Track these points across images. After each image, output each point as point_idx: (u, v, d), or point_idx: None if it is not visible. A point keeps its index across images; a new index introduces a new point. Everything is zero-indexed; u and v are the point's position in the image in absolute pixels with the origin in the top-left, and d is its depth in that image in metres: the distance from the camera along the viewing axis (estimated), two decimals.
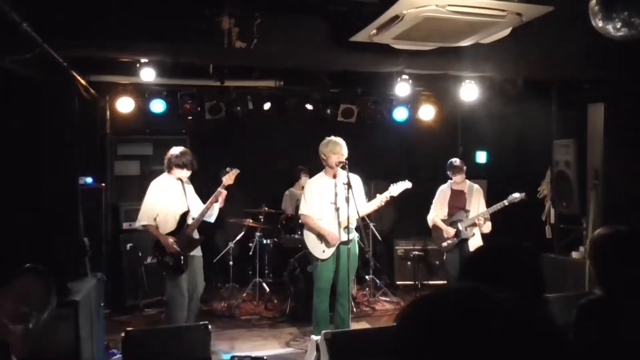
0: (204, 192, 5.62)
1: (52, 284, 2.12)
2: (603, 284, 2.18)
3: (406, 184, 5.42)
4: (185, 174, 5.37)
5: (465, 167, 6.24)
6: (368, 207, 5.42)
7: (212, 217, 5.53)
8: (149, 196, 5.31)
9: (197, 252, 5.44)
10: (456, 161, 6.27)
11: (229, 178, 5.40)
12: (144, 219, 5.27)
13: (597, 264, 2.24)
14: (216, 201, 5.35)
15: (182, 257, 5.24)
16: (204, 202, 5.42)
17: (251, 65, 6.15)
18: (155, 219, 5.26)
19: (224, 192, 5.33)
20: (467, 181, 6.27)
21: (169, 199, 5.31)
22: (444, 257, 6.33)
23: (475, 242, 6.01)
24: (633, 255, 2.11)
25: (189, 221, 5.33)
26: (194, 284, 5.40)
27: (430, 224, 6.33)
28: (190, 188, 5.57)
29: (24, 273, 2.10)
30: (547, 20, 3.69)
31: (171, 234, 5.26)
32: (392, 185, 5.43)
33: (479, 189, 6.23)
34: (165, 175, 5.42)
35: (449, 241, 6.11)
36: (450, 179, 6.26)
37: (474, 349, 0.83)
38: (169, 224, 5.30)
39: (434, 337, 0.86)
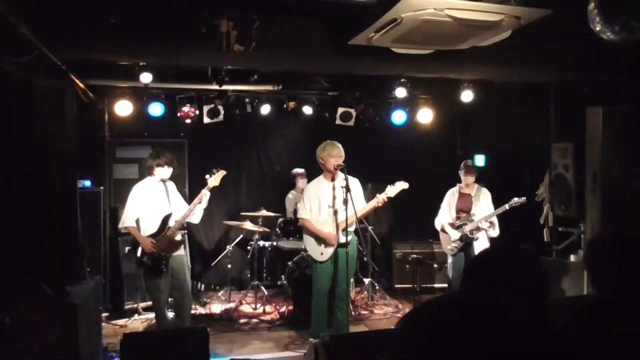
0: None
1: (57, 314, 2.03)
2: (599, 288, 2.17)
3: (403, 185, 5.39)
4: (167, 171, 5.52)
5: (477, 170, 6.25)
6: (365, 208, 5.40)
7: (195, 218, 5.61)
8: (130, 199, 5.49)
9: (180, 251, 5.53)
10: (470, 162, 6.34)
11: (214, 180, 5.48)
12: (125, 221, 5.48)
13: (593, 267, 2.24)
14: (199, 202, 5.42)
15: (161, 259, 5.35)
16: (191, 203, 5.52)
17: (250, 68, 6.15)
18: (137, 222, 5.42)
19: (208, 194, 5.41)
20: (476, 185, 6.25)
21: (151, 202, 5.46)
22: (449, 260, 6.31)
23: (480, 246, 5.97)
24: (630, 258, 2.11)
25: (171, 224, 5.43)
26: (180, 282, 5.49)
27: (437, 226, 6.32)
28: (173, 189, 5.63)
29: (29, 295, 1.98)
30: (545, 23, 3.70)
31: (153, 236, 5.38)
32: (389, 186, 5.41)
33: (486, 192, 6.20)
34: (147, 179, 5.56)
35: (454, 244, 6.10)
36: (460, 181, 6.27)
37: (474, 354, 0.83)
38: (151, 226, 5.43)
39: (434, 343, 0.86)
